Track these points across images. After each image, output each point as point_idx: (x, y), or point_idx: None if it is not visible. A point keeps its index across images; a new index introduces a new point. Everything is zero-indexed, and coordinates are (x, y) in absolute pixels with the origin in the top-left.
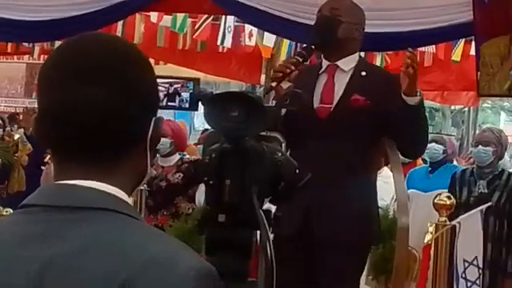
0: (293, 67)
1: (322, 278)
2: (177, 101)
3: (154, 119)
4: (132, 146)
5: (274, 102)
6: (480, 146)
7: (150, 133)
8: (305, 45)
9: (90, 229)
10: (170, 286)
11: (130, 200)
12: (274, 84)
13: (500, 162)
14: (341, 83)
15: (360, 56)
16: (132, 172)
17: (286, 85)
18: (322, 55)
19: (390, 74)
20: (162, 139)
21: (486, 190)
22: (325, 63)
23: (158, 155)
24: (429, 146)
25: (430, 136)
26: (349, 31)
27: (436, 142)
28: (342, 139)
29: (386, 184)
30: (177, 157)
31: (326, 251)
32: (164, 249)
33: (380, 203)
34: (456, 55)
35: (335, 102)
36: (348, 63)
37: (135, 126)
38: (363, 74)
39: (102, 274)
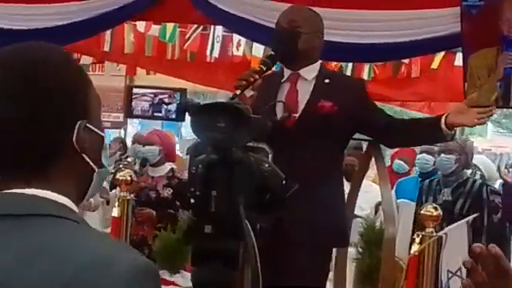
0: (256, 76)
1: (287, 281)
2: (163, 111)
3: (78, 123)
4: (56, 153)
5: None
6: (442, 154)
7: (74, 137)
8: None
9: (31, 236)
10: (107, 286)
11: (73, 205)
12: (237, 92)
13: (474, 171)
14: (304, 91)
15: (321, 63)
16: (70, 178)
17: (249, 93)
18: (283, 65)
19: (353, 79)
20: (150, 147)
21: (450, 198)
22: (287, 72)
23: (147, 165)
24: (419, 156)
25: (421, 147)
26: (309, 41)
27: (427, 153)
28: (309, 146)
29: (366, 193)
30: (167, 167)
31: (290, 254)
32: (103, 249)
33: (360, 212)
34: (435, 63)
35: (300, 110)
36: (310, 72)
37: (48, 134)
38: (326, 81)
39: (47, 282)
